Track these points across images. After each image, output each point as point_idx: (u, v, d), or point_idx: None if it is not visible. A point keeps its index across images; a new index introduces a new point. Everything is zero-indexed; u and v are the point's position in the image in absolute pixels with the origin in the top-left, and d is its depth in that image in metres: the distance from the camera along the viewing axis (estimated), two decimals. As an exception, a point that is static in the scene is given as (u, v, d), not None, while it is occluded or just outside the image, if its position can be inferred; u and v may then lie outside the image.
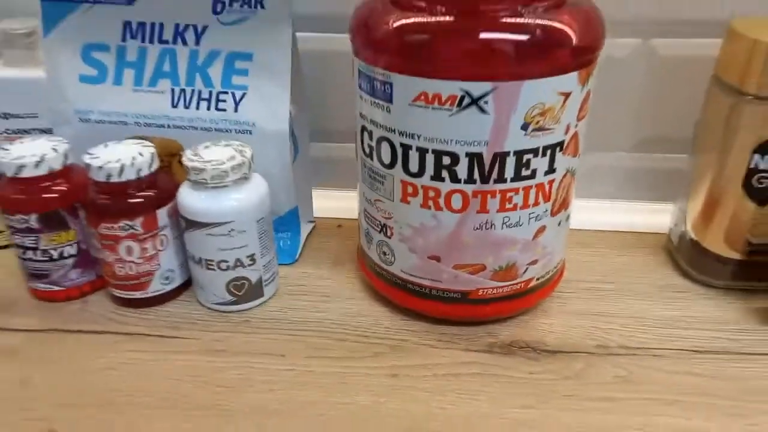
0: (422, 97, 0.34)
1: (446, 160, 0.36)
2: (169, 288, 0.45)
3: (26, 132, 0.49)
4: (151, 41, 0.45)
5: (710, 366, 0.40)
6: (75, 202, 0.43)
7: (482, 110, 0.34)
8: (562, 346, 0.41)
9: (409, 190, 0.38)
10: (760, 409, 0.37)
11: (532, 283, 0.41)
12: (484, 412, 0.37)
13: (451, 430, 0.35)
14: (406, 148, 0.37)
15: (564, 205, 0.40)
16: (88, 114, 0.47)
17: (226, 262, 0.43)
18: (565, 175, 0.38)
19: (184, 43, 0.45)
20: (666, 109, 0.51)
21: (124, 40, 0.46)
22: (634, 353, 0.41)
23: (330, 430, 0.36)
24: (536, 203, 0.38)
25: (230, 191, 0.41)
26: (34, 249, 0.44)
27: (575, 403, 0.37)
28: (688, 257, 0.47)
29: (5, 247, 0.52)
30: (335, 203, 0.56)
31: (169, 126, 0.46)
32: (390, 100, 0.36)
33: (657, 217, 0.52)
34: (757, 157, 0.40)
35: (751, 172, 0.41)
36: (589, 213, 0.52)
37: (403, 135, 0.36)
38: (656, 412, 0.36)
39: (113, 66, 0.46)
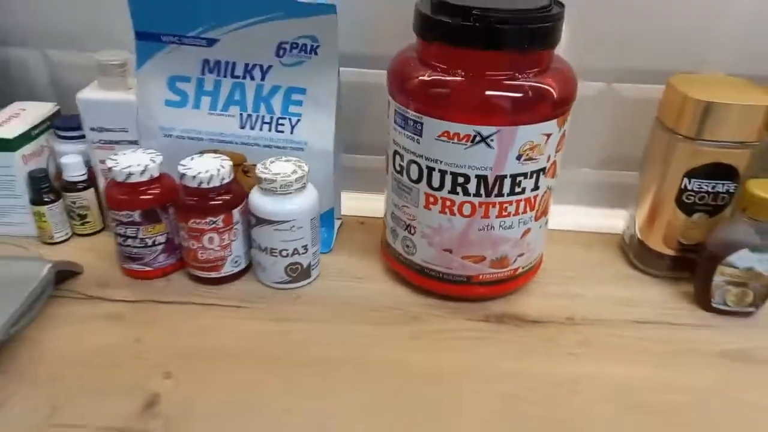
0: (445, 134, 0.47)
1: (460, 180, 0.49)
2: (236, 270, 0.58)
3: (116, 143, 0.60)
4: (225, 76, 0.57)
5: (649, 332, 0.54)
6: (167, 201, 0.56)
7: (489, 146, 0.47)
8: (540, 317, 0.55)
9: (431, 199, 0.51)
10: (684, 362, 0.50)
11: (519, 271, 0.55)
12: (484, 364, 0.50)
13: (459, 376, 0.49)
14: (430, 170, 0.50)
15: (544, 212, 0.54)
16: (171, 131, 0.59)
17: (287, 250, 0.55)
18: (546, 191, 0.52)
19: (252, 78, 0.57)
20: (623, 137, 0.65)
21: (203, 74, 0.58)
22: (592, 323, 0.54)
23: (369, 374, 0.49)
24: (524, 212, 0.51)
25: (293, 197, 0.54)
26: (134, 237, 0.56)
27: (549, 358, 0.51)
28: (636, 253, 0.61)
29: (97, 232, 0.64)
30: (358, 204, 0.68)
31: (236, 143, 0.58)
32: (420, 135, 0.49)
33: (613, 221, 0.65)
34: (686, 180, 0.54)
35: (682, 191, 0.55)
36: (563, 217, 0.65)
37: (428, 160, 0.49)
38: (608, 364, 0.50)
39: (193, 94, 0.58)
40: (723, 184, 0.54)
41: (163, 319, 0.54)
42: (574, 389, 0.48)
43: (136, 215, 0.55)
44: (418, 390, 0.47)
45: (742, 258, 0.52)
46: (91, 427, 0.44)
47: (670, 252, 0.58)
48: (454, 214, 0.51)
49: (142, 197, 0.55)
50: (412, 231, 0.54)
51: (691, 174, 0.54)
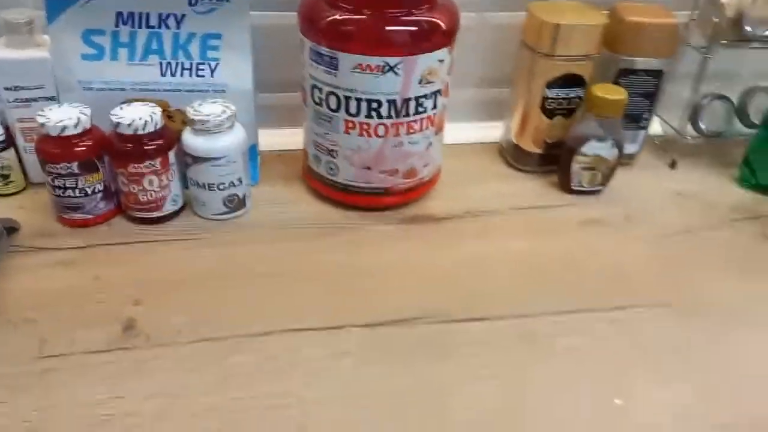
0: (359, 67, 0.56)
1: (374, 105, 0.58)
2: (175, 208, 0.63)
3: (34, 101, 0.62)
4: (140, 26, 0.61)
5: (528, 215, 0.67)
6: (101, 151, 0.59)
7: (396, 74, 0.56)
8: (445, 215, 0.67)
9: (350, 125, 0.60)
10: (555, 232, 0.65)
11: (425, 179, 0.66)
12: (406, 256, 0.61)
13: (387, 267, 0.59)
14: (347, 99, 0.58)
15: (441, 128, 0.64)
16: (90, 84, 0.61)
17: (224, 183, 0.62)
18: (442, 109, 0.62)
19: (168, 27, 0.61)
20: (496, 58, 0.77)
21: (117, 26, 0.60)
22: (485, 213, 0.67)
23: (314, 277, 0.58)
24: (427, 128, 0.61)
25: (225, 135, 0.60)
26: (74, 188, 0.59)
27: (455, 245, 0.62)
28: (512, 155, 0.74)
29: (21, 191, 0.65)
30: (273, 139, 0.75)
31: (159, 90, 0.62)
32: (336, 68, 0.57)
33: (493, 131, 0.78)
34: (546, 90, 0.68)
35: (544, 100, 0.68)
36: (452, 132, 0.75)
37: (345, 90, 0.58)
38: (500, 242, 0.63)
39: (109, 46, 0.61)
40: (574, 90, 0.68)
41: (116, 258, 0.59)
42: (478, 262, 0.60)
43: (75, 166, 0.58)
44: (356, 283, 0.57)
45: (591, 147, 0.66)
46: (82, 352, 0.49)
47: (538, 150, 0.72)
48: (371, 136, 0.60)
49: (77, 149, 0.58)
50: (335, 155, 0.62)
51: (550, 84, 0.67)
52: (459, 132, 0.77)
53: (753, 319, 0.56)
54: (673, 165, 0.75)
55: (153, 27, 0.61)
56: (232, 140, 0.60)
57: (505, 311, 0.55)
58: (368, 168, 0.62)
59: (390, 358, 0.50)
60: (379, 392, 0.47)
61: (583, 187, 0.69)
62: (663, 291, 0.58)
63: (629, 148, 0.72)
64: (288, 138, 0.73)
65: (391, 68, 0.56)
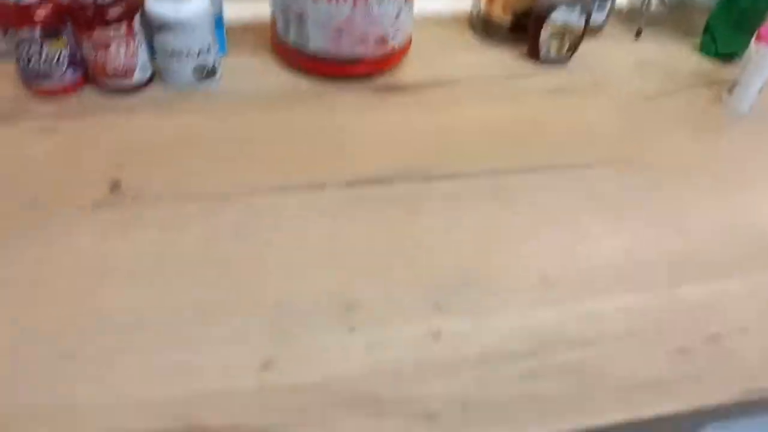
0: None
1: (344, -32, 0.57)
2: (145, 77, 0.63)
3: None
4: None
5: (499, 84, 0.68)
6: (63, 16, 0.57)
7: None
8: (415, 84, 0.67)
9: (319, -11, 0.59)
10: (525, 100, 0.66)
11: (396, 49, 0.66)
12: (377, 121, 0.62)
13: (362, 132, 0.61)
14: (314, -38, 0.57)
15: (411, -8, 0.64)
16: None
17: (192, 51, 0.61)
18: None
19: None
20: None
21: None
22: (456, 82, 0.68)
23: (291, 140, 0.59)
24: (398, -9, 0.61)
25: (189, 1, 0.58)
26: (39, 56, 0.58)
27: (426, 111, 0.64)
28: (482, 25, 0.74)
29: None
30: (240, 10, 0.73)
31: (118, -48, 0.60)
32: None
33: (463, 2, 0.77)
34: (517, -45, 0.67)
35: (514, -34, 0.68)
36: (422, 2, 0.75)
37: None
38: (471, 108, 0.65)
39: None
40: (545, -44, 0.67)
41: (94, 126, 0.59)
42: (450, 127, 0.62)
43: (37, 33, 0.56)
44: (332, 145, 0.59)
45: (559, 15, 0.67)
46: (72, 206, 0.51)
47: (508, 21, 0.72)
48: (340, 2, 0.59)
49: (36, 16, 0.56)
50: (304, 23, 0.62)
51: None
52: (429, 3, 0.76)
53: (704, 173, 0.60)
54: (638, 34, 0.77)
55: None
56: (197, 6, 0.59)
57: (476, 169, 0.57)
58: (339, 36, 0.62)
59: (369, 214, 0.53)
60: (360, 241, 0.51)
61: (551, 55, 0.71)
62: (624, 150, 0.61)
63: (596, 18, 0.73)
64: (255, 8, 0.71)
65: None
